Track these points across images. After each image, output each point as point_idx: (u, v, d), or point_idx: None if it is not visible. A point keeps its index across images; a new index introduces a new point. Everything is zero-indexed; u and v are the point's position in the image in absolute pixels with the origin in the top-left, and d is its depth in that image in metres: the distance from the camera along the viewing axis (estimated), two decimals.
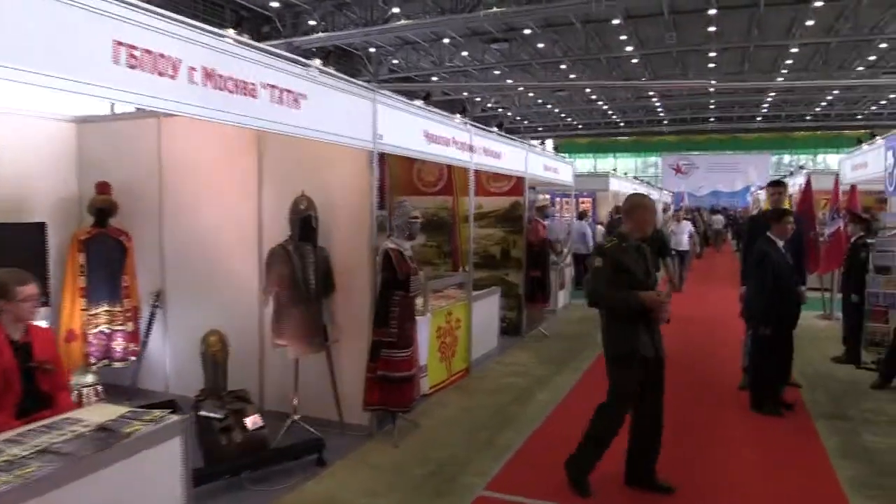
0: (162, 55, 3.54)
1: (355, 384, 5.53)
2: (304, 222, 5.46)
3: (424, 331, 6.56)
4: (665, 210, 22.44)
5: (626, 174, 19.47)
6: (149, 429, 3.28)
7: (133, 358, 6.46)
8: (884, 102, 36.90)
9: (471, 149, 7.47)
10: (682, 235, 15.11)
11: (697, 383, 7.34)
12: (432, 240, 9.75)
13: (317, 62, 4.95)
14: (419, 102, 6.78)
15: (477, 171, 8.74)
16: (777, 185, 7.54)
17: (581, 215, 15.48)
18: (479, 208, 9.63)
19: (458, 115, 7.69)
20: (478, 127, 7.77)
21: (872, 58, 28.63)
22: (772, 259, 6.02)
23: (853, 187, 10.63)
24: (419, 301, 6.64)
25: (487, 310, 8.34)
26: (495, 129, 9.00)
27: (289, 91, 4.55)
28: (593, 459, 4.57)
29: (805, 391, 7.02)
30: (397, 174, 9.92)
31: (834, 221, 10.68)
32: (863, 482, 4.76)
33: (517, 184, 9.51)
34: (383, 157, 10.30)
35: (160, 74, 3.55)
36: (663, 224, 16.00)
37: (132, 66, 3.38)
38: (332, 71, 5.07)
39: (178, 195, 6.44)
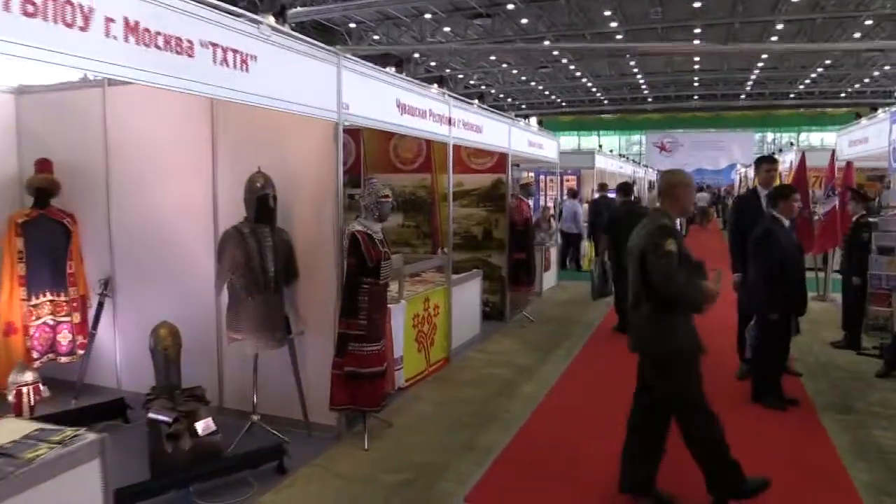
0: (69, 2, 2.90)
1: (322, 381, 4.94)
2: (261, 202, 4.83)
3: (399, 319, 5.99)
4: (651, 188, 21.94)
5: (611, 151, 18.83)
6: (56, 453, 2.69)
7: (81, 352, 5.84)
8: (867, 80, 36.41)
9: (449, 122, 6.86)
10: None
11: None
12: (410, 220, 9.15)
13: (269, 19, 4.32)
14: (391, 70, 6.13)
15: (457, 147, 8.15)
16: (769, 162, 6.93)
17: (573, 193, 14.88)
18: (460, 186, 9.03)
19: (436, 86, 7.05)
20: (457, 98, 7.14)
21: (857, 35, 28.11)
22: (778, 239, 5.47)
23: (849, 164, 10.10)
24: (393, 287, 6.08)
25: (469, 294, 7.77)
26: (476, 101, 8.37)
27: (235, 51, 3.91)
28: (731, 467, 3.84)
29: (806, 380, 6.53)
30: (373, 150, 9.29)
31: (829, 199, 10.17)
32: (881, 488, 4.25)
33: (500, 160, 8.90)
34: (358, 133, 9.69)
35: (67, 25, 2.91)
36: (649, 202, 15.22)
37: (29, 14, 2.74)
38: (287, 30, 4.42)
39: (127, 172, 5.78)
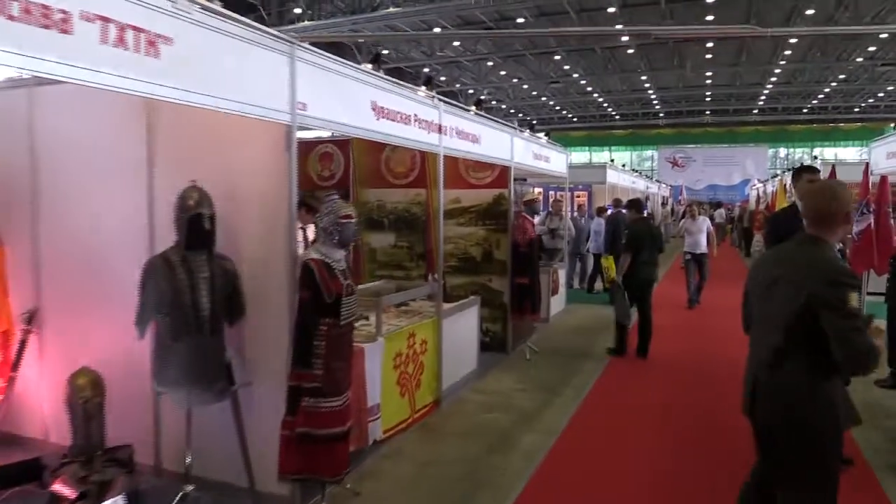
0: None
1: (273, 442, 3.89)
2: (194, 224, 3.80)
3: (375, 361, 4.94)
4: (664, 204, 20.78)
5: (623, 166, 17.70)
6: None
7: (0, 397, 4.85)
8: (881, 95, 35.19)
9: (439, 129, 5.83)
10: (700, 235, 11.54)
11: (724, 426, 5.73)
12: (403, 239, 8.11)
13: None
14: (369, 67, 5.11)
15: (453, 160, 7.14)
16: (811, 172, 5.75)
17: (601, 211, 13.71)
18: (457, 203, 8.00)
19: (423, 88, 6.04)
20: (449, 103, 6.11)
21: (872, 48, 27.03)
22: None
23: (884, 178, 8.95)
24: (370, 321, 5.08)
25: (464, 325, 6.71)
26: (473, 108, 7.34)
27: (137, 29, 2.90)
28: None
29: (856, 430, 5.39)
30: (363, 163, 8.29)
31: (863, 217, 9.03)
32: None
33: (502, 174, 7.85)
34: (347, 144, 8.70)
35: None
36: (662, 220, 14.05)
37: None
38: (218, 7, 3.40)
39: (57, 186, 4.78)
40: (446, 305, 6.38)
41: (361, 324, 5.50)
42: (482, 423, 5.62)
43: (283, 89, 3.84)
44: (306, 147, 8.57)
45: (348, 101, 4.49)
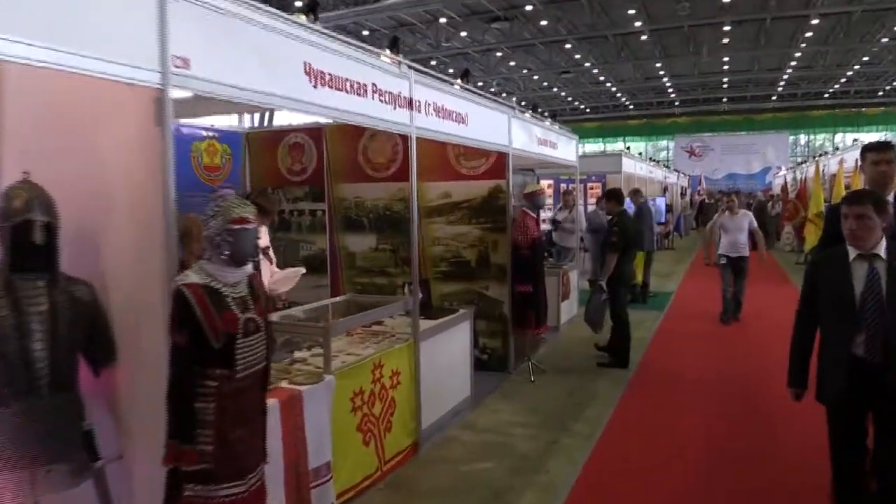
0: None
1: None
2: (21, 234, 2.57)
3: (321, 406, 3.68)
4: (682, 195, 19.32)
5: (640, 154, 16.23)
6: None
7: None
8: None
9: (410, 105, 4.54)
10: (739, 234, 8.93)
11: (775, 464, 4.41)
12: (386, 241, 6.85)
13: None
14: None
15: (439, 146, 5.88)
16: (879, 150, 4.33)
17: (634, 195, 12.26)
18: (447, 197, 6.71)
19: (388, 51, 4.77)
20: (424, 72, 4.81)
21: None
22: None
23: None
24: (306, 361, 3.85)
25: (453, 345, 5.43)
26: (458, 81, 6.03)
27: None
28: None
29: None
30: (338, 154, 7.04)
31: None
32: None
33: (498, 162, 6.54)
34: (319, 133, 7.44)
35: None
36: (681, 212, 12.52)
37: None
38: None
39: None
40: (429, 323, 5.11)
41: (314, 353, 4.27)
42: (470, 476, 4.33)
43: (148, 37, 2.58)
44: (274, 137, 7.37)
45: (268, 59, 3.20)
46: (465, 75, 6.64)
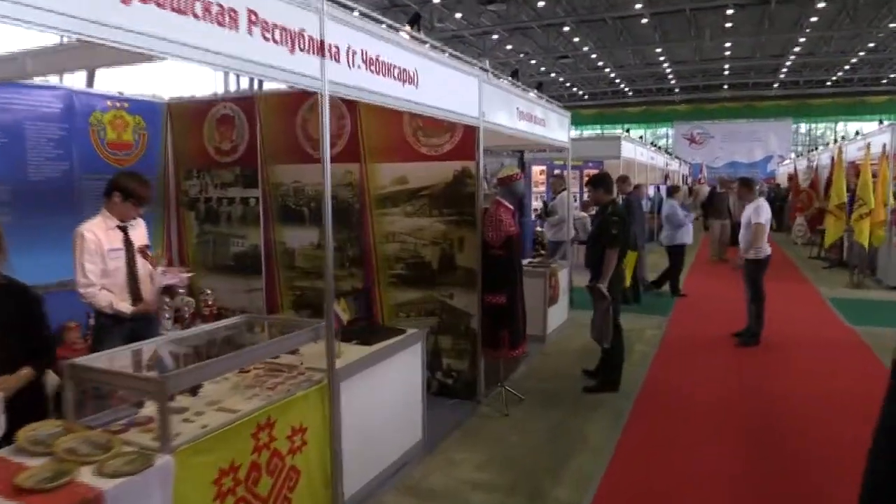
0: None
1: None
2: None
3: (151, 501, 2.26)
4: (685, 182, 17.81)
5: (640, 138, 14.56)
6: None
7: None
8: None
9: (321, 50, 3.06)
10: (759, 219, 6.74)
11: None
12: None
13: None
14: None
15: (391, 116, 4.46)
16: None
17: (673, 190, 10.70)
18: (403, 183, 5.22)
19: (407, 27, 3.36)
20: (342, 6, 3.31)
21: None
22: None
23: None
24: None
25: (396, 380, 3.98)
26: (406, 27, 4.50)
27: None
28: None
29: None
30: (274, 130, 5.60)
31: None
32: None
33: (466, 138, 5.04)
34: (252, 104, 5.95)
35: None
36: (683, 198, 10.89)
37: None
38: None
39: None
40: (363, 351, 3.67)
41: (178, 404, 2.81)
42: None
43: None
44: (199, 109, 5.92)
45: None
46: (414, 21, 5.10)
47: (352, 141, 5.28)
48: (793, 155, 27.18)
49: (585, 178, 12.30)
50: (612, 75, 34.11)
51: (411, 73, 3.91)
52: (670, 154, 23.63)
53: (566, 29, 25.73)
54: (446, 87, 4.42)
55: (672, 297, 9.56)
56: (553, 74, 33.58)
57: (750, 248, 6.74)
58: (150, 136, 5.89)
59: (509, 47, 28.51)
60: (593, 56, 30.19)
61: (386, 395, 3.84)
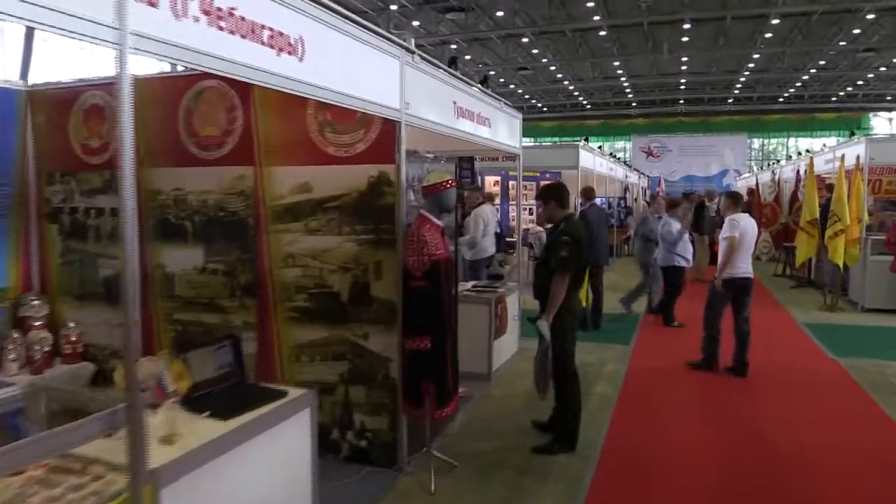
0: None
1: None
2: None
3: None
4: (645, 196, 16.98)
5: (599, 147, 13.56)
6: None
7: None
8: (860, 83, 31.69)
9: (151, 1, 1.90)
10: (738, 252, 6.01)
11: None
12: (217, 258, 4.21)
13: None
14: None
15: (288, 103, 3.30)
16: None
17: (670, 204, 8.91)
18: (306, 191, 4.04)
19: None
20: None
21: (857, 31, 23.62)
22: None
23: None
24: None
25: (270, 466, 2.81)
26: None
27: None
28: None
29: None
30: (151, 124, 4.35)
31: None
32: None
33: (384, 136, 3.92)
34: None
35: None
36: (647, 218, 9.62)
37: None
38: None
39: None
40: (214, 431, 2.49)
41: None
42: None
43: None
44: (64, 98, 4.67)
45: None
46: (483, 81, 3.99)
47: (245, 138, 4.11)
48: (754, 167, 26.76)
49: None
50: (571, 88, 33.60)
51: (292, 41, 2.76)
52: (629, 166, 22.88)
53: (525, 40, 25.06)
54: (352, 65, 3.28)
55: (665, 324, 8.38)
56: (512, 86, 32.87)
57: (724, 266, 5.86)
58: (3, 132, 4.63)
59: (468, 57, 27.62)
60: (552, 68, 29.58)
61: (252, 489, 2.67)
